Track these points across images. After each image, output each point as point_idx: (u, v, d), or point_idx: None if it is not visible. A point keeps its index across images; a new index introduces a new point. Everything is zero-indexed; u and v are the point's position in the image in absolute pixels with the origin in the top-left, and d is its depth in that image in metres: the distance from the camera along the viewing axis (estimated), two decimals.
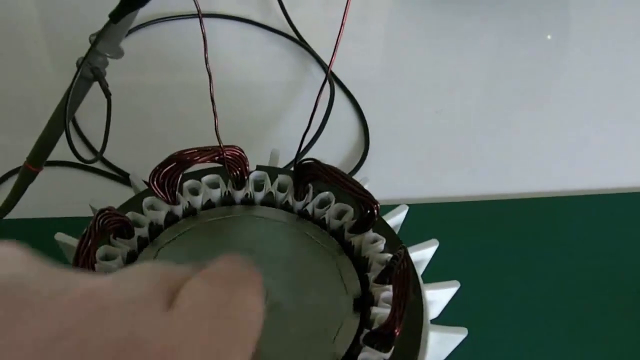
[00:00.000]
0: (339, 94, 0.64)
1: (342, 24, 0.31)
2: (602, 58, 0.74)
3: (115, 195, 0.42)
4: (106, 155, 0.43)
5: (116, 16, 0.35)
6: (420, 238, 0.37)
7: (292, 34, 0.71)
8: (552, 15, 0.82)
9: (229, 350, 0.18)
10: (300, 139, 0.36)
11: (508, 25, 0.79)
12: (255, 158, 0.37)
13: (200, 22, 0.30)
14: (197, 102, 0.61)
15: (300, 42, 0.70)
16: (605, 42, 0.78)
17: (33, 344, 0.15)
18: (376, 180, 0.39)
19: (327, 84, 0.60)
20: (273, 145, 0.45)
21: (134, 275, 0.19)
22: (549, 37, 0.79)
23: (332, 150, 0.58)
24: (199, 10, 0.30)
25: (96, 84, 0.41)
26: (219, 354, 0.18)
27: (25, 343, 0.15)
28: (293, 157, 0.53)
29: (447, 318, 0.36)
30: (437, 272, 0.37)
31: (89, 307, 0.17)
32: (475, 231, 0.51)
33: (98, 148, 0.53)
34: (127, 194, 0.38)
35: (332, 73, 0.33)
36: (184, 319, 0.18)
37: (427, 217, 0.49)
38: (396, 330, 0.28)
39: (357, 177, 0.35)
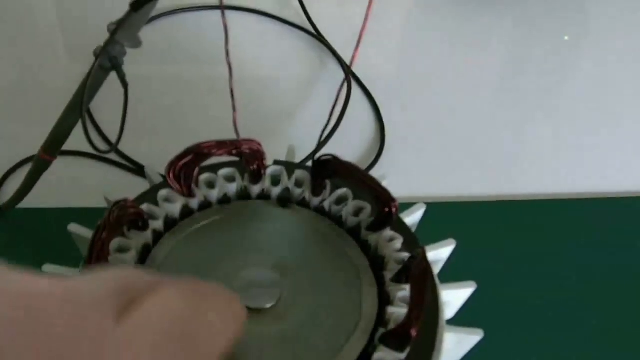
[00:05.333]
0: (355, 90, 0.64)
1: (365, 21, 0.30)
2: (620, 60, 0.74)
3: (129, 187, 0.42)
4: (120, 146, 0.42)
5: (137, 5, 0.35)
6: (436, 237, 0.36)
7: (310, 28, 0.70)
8: (570, 15, 0.81)
9: None
10: (317, 135, 0.35)
11: (526, 24, 0.79)
12: (270, 152, 0.37)
13: (222, 14, 0.30)
14: (212, 95, 0.61)
15: (318, 36, 0.70)
16: (623, 45, 0.77)
17: None
18: (391, 178, 0.39)
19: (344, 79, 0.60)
20: (287, 140, 0.45)
21: (91, 279, 0.18)
22: (566, 37, 0.78)
23: (347, 147, 0.57)
24: (221, 2, 0.29)
25: (112, 74, 0.41)
26: None
27: None
28: (308, 153, 0.52)
29: (462, 319, 0.35)
30: (452, 272, 0.37)
31: (17, 310, 0.15)
32: (492, 231, 0.50)
33: (112, 139, 0.53)
34: (140, 185, 0.38)
35: (349, 69, 0.33)
36: (131, 330, 0.16)
37: (443, 216, 0.48)
38: (413, 331, 0.28)
39: (373, 174, 0.34)
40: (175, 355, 0.17)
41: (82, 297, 0.16)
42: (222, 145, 0.34)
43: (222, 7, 0.30)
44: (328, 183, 0.36)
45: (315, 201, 0.36)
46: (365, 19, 0.30)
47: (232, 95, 0.32)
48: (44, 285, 0.16)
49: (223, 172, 0.37)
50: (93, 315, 0.16)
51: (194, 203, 0.35)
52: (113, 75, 0.41)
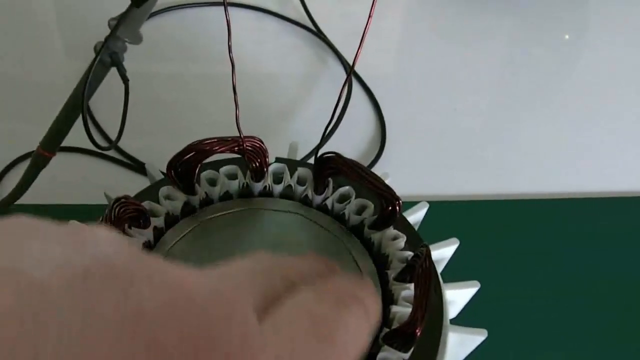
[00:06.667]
0: (356, 88, 0.63)
1: (368, 18, 0.30)
2: (620, 59, 0.73)
3: (128, 184, 0.42)
4: (120, 143, 0.42)
5: (138, 0, 0.34)
6: (439, 236, 0.36)
7: (309, 24, 0.70)
8: (571, 14, 0.81)
9: None
10: (317, 132, 0.35)
11: (526, 23, 0.78)
12: (270, 150, 0.36)
13: (225, 9, 0.30)
14: (213, 91, 0.61)
15: (318, 33, 0.69)
16: (624, 44, 0.76)
17: (113, 322, 0.14)
18: (392, 176, 0.39)
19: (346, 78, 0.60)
20: (288, 137, 0.45)
21: (234, 271, 0.19)
22: (566, 36, 0.78)
23: (348, 145, 0.57)
24: None
25: (112, 71, 0.41)
26: None
27: (108, 319, 0.14)
28: (308, 150, 0.52)
29: (465, 318, 0.35)
30: (455, 271, 0.37)
31: (169, 296, 0.16)
32: (495, 231, 0.50)
33: (112, 136, 0.53)
34: (140, 182, 0.37)
35: (352, 68, 0.32)
36: (273, 329, 0.17)
37: (446, 215, 0.48)
38: (417, 330, 0.27)
39: (375, 172, 0.34)
40: (313, 356, 0.18)
41: (228, 290, 0.17)
42: (223, 143, 0.34)
43: (225, 4, 0.30)
44: (330, 181, 0.36)
45: (318, 199, 0.36)
46: (369, 19, 0.30)
47: (235, 92, 0.32)
48: (194, 277, 0.17)
49: (225, 169, 0.37)
50: (240, 309, 0.17)
51: (196, 200, 0.35)
52: (112, 72, 0.41)
